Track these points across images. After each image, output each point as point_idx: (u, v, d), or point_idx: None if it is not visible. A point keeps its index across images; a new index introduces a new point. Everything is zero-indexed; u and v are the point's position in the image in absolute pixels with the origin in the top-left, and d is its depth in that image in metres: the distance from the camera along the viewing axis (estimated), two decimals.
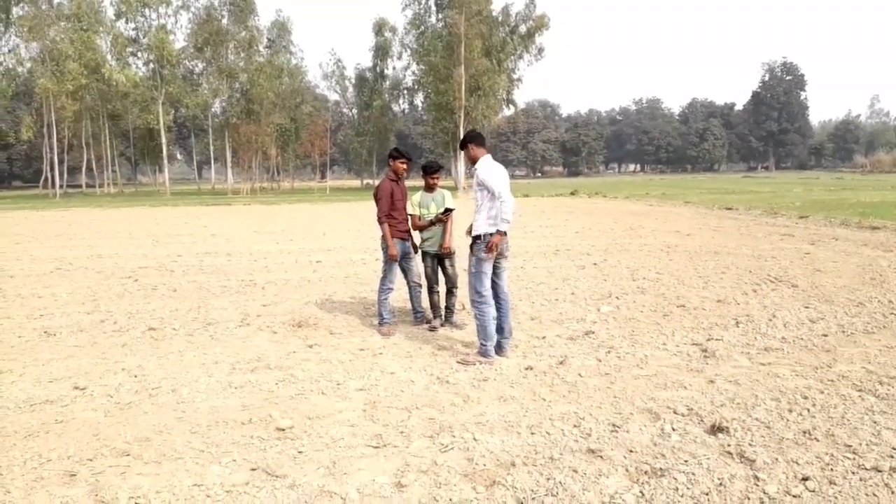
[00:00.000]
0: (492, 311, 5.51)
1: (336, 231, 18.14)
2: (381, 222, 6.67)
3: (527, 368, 5.29)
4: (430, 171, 6.80)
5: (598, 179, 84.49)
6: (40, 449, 3.85)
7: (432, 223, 6.77)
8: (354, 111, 73.42)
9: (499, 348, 5.66)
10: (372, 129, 66.62)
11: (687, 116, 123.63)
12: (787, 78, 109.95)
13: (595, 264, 10.90)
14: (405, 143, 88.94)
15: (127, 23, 51.09)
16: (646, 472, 3.40)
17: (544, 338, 6.28)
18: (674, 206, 26.26)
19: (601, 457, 3.60)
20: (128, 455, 3.73)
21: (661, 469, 3.42)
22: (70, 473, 3.52)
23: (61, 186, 50.95)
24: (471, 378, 5.08)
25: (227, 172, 59.21)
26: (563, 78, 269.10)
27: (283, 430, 4.06)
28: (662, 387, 4.79)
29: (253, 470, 3.52)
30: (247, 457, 3.69)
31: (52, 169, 50.50)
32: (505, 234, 5.45)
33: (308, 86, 68.14)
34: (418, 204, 6.90)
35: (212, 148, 58.98)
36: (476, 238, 5.53)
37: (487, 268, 5.52)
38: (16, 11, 46.65)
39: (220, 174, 71.62)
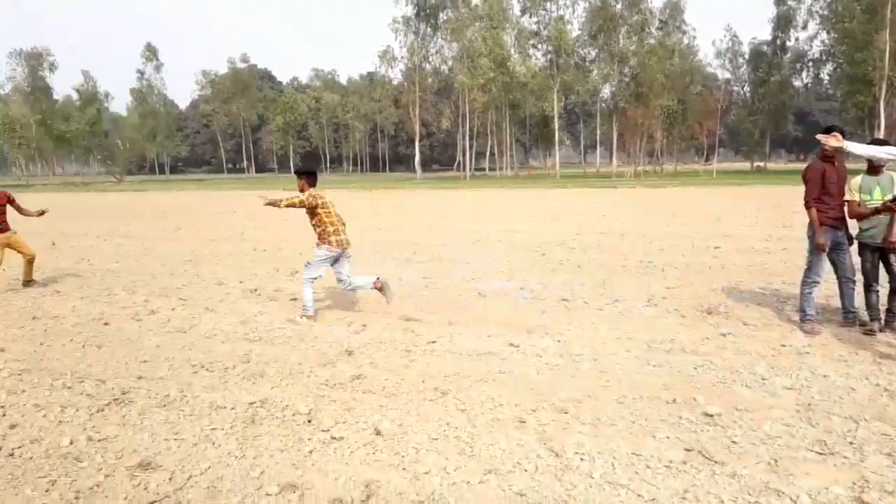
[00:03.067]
0: None
1: (730, 216, 17.04)
2: (808, 207, 6.00)
3: None
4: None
5: None
6: (491, 393, 4.45)
7: (877, 211, 5.81)
8: (746, 89, 67.80)
9: None
10: (766, 107, 60.81)
11: None
12: None
13: None
14: (805, 121, 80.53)
15: (530, 17, 55.63)
16: None
17: None
18: None
19: None
20: (566, 413, 4.08)
21: None
22: (520, 420, 3.99)
23: (469, 169, 58.34)
24: None
25: (610, 156, 60.43)
26: None
27: (711, 416, 3.97)
28: None
29: (688, 450, 3.52)
30: (679, 436, 3.71)
31: (463, 154, 58.15)
32: None
33: (699, 65, 65.23)
34: (858, 188, 6.00)
35: (598, 132, 60.79)
36: None
37: None
38: (441, 16, 54.52)
39: (602, 157, 73.49)
